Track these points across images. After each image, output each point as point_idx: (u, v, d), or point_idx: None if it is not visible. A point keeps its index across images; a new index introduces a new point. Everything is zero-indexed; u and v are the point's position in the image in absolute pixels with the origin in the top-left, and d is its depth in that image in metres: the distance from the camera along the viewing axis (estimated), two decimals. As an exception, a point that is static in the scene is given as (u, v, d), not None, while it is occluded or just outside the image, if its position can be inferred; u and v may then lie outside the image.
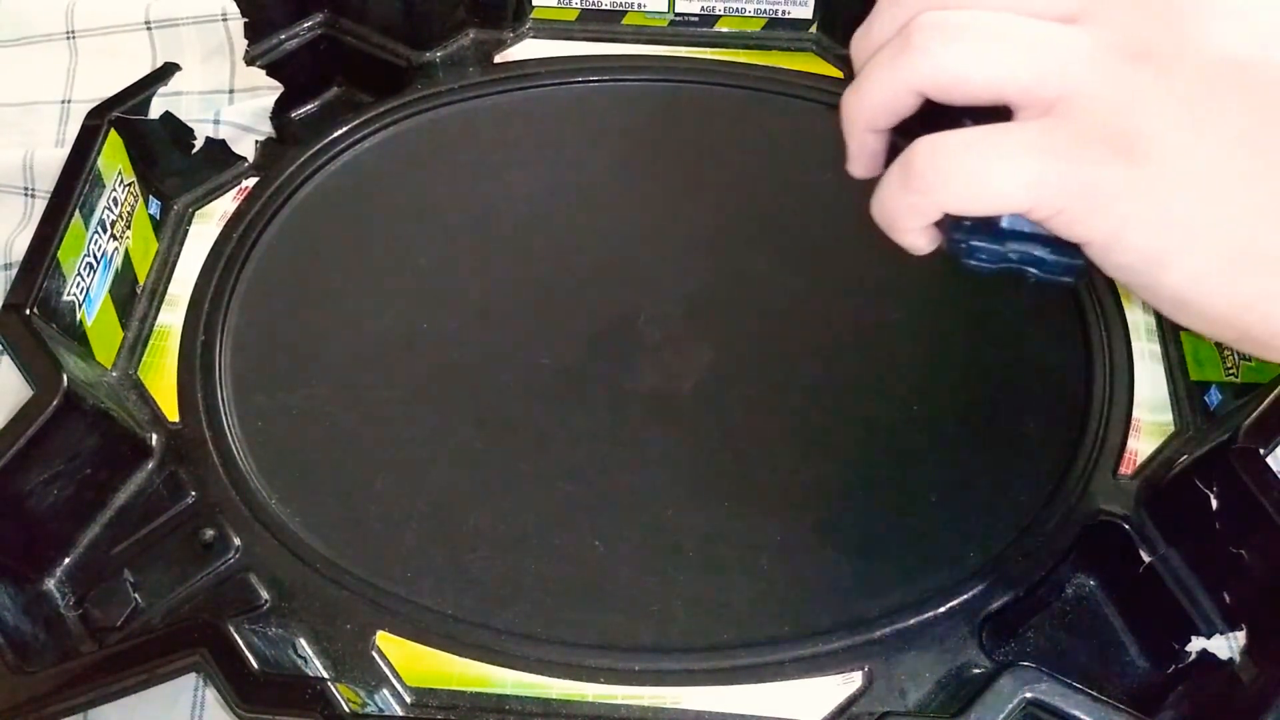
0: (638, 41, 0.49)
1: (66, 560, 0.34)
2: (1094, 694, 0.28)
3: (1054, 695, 0.27)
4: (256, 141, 0.46)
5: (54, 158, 0.43)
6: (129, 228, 0.41)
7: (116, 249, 0.40)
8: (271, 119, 0.47)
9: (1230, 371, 0.36)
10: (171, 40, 0.51)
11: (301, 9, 0.48)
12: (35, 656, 0.31)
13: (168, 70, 0.44)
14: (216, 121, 0.47)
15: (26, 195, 0.45)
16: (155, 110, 0.43)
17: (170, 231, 0.43)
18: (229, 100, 0.49)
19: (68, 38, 0.51)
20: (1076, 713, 0.27)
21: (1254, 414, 0.32)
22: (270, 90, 0.48)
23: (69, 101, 0.50)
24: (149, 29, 0.51)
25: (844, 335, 0.40)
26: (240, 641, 0.28)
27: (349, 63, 0.49)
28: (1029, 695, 0.27)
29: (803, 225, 0.43)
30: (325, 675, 0.31)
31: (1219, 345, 0.37)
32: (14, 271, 0.38)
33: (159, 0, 0.51)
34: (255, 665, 0.28)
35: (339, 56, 0.49)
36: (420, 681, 0.32)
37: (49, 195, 0.38)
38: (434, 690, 0.32)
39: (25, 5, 0.52)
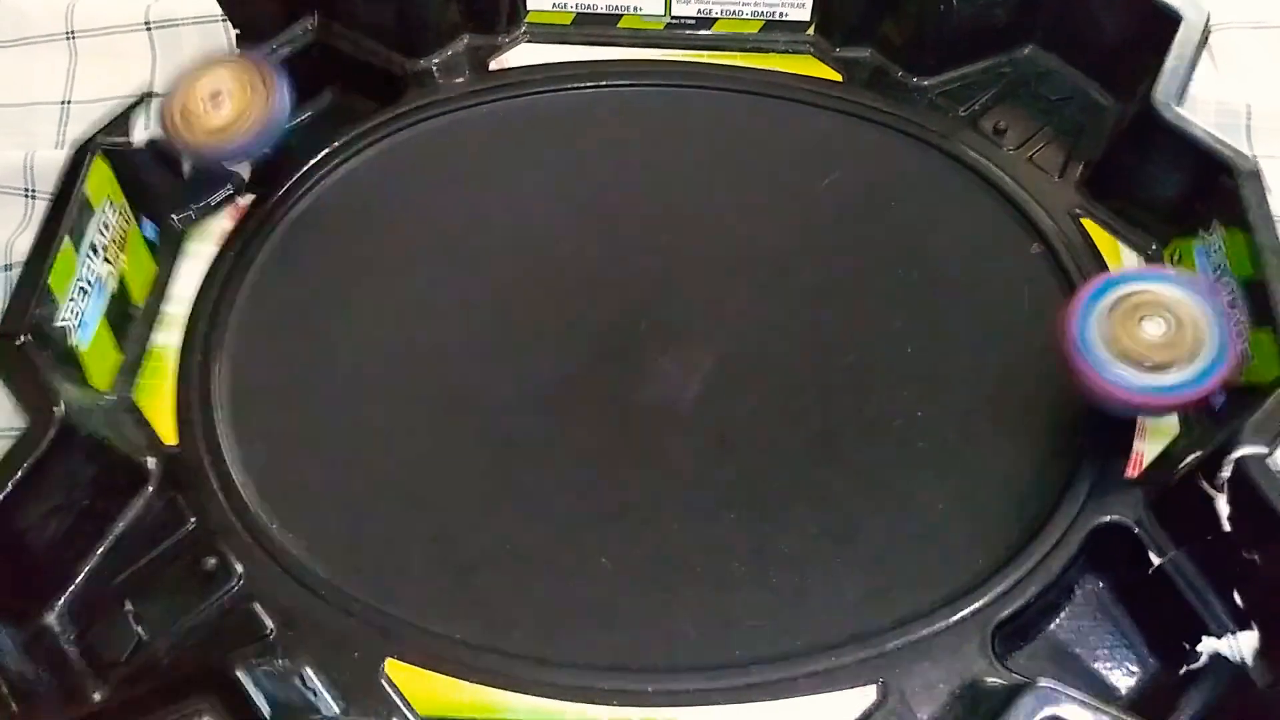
0: (634, 45, 0.49)
1: (66, 594, 0.34)
2: (1116, 713, 0.27)
3: (1076, 714, 0.27)
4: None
5: (54, 159, 0.42)
6: (122, 250, 0.40)
7: (110, 272, 0.39)
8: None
9: (1235, 373, 0.36)
10: (171, 41, 0.50)
11: (292, 16, 0.47)
12: (40, 699, 0.30)
13: (144, 99, 0.43)
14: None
15: (27, 196, 0.45)
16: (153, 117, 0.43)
17: (165, 252, 0.42)
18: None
19: (67, 38, 0.51)
20: (1098, 730, 0.27)
21: (1258, 415, 0.32)
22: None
23: (69, 102, 0.49)
24: (149, 29, 0.50)
25: (847, 342, 0.40)
26: (250, 685, 0.28)
27: (342, 71, 0.48)
28: (1050, 713, 0.27)
29: (803, 231, 0.43)
30: (335, 708, 0.31)
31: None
32: (14, 272, 0.37)
33: (159, 0, 0.51)
34: (266, 711, 0.28)
35: (332, 64, 0.48)
36: (432, 710, 0.31)
37: (49, 196, 0.38)
38: (446, 719, 0.31)
39: (25, 5, 0.51)
